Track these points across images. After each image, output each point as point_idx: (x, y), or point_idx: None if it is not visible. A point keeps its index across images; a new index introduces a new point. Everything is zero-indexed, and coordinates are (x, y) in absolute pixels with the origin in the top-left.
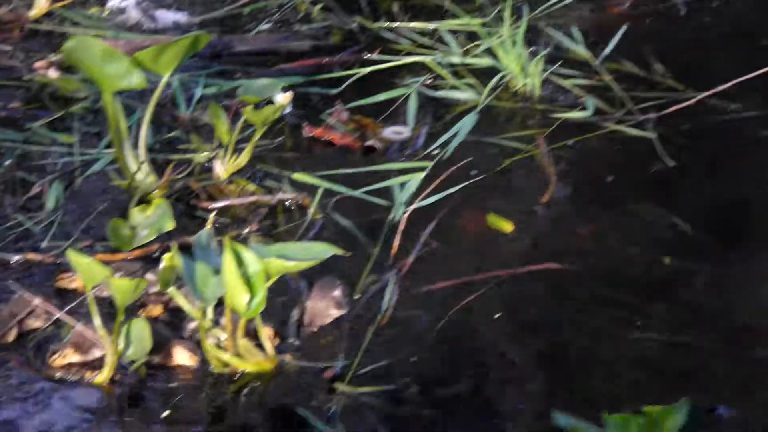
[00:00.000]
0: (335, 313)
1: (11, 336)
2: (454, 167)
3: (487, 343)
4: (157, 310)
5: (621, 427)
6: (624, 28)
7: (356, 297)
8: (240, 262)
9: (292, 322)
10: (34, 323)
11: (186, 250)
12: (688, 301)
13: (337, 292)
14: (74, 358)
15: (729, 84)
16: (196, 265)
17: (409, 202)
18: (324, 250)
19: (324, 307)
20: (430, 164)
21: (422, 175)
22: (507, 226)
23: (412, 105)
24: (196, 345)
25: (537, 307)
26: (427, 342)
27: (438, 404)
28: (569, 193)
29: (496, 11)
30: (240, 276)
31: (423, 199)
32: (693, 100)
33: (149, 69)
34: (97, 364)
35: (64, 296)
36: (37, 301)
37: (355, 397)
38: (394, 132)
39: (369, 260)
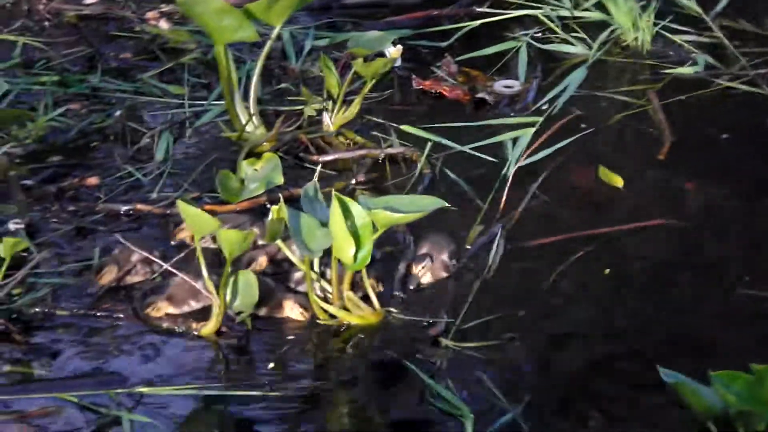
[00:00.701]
0: (443, 274)
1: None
2: (564, 121)
3: (592, 300)
4: (264, 262)
5: (727, 383)
6: None
7: (465, 251)
8: (347, 214)
9: (399, 277)
10: (137, 276)
11: (294, 202)
12: None
13: (445, 256)
14: (169, 309)
15: None
16: (303, 218)
17: (520, 158)
18: (431, 203)
19: (432, 268)
20: (540, 119)
21: (532, 130)
22: (618, 181)
23: (523, 59)
24: (303, 297)
25: (643, 263)
26: (533, 297)
27: (540, 357)
28: (683, 150)
29: None
30: (347, 228)
31: (532, 154)
32: None
33: (261, 20)
34: (197, 316)
35: (172, 248)
36: (136, 256)
37: (460, 352)
38: (504, 86)
39: (478, 215)
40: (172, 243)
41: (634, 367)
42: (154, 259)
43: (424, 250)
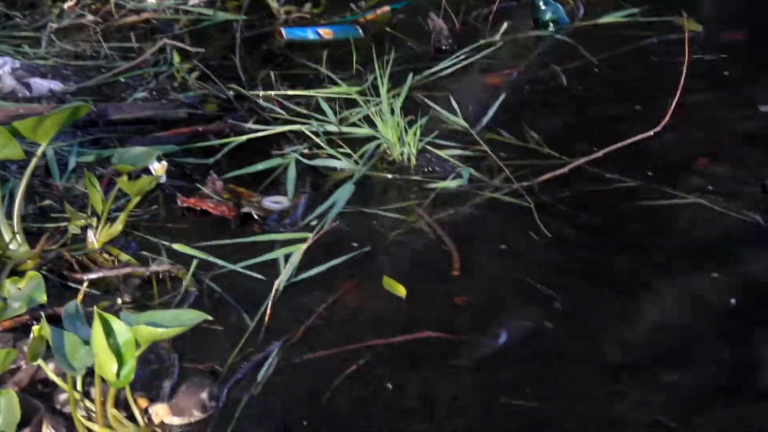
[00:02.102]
0: (199, 415)
1: None
2: (333, 239)
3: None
4: (25, 380)
5: None
6: (501, 98)
7: (236, 369)
8: (109, 331)
9: (164, 394)
10: None
11: (57, 320)
12: None
13: (204, 394)
14: None
15: (602, 152)
16: (65, 336)
17: (290, 275)
18: (193, 317)
19: (189, 406)
20: (309, 235)
21: (304, 246)
22: (401, 291)
23: (291, 175)
24: (66, 417)
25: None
26: (303, 412)
27: None
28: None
29: (372, 79)
30: (109, 345)
31: (303, 272)
32: (566, 168)
33: (27, 138)
34: None
35: None
36: None
37: None
38: (273, 202)
39: (245, 331)
40: None
41: None
42: None
43: (183, 389)
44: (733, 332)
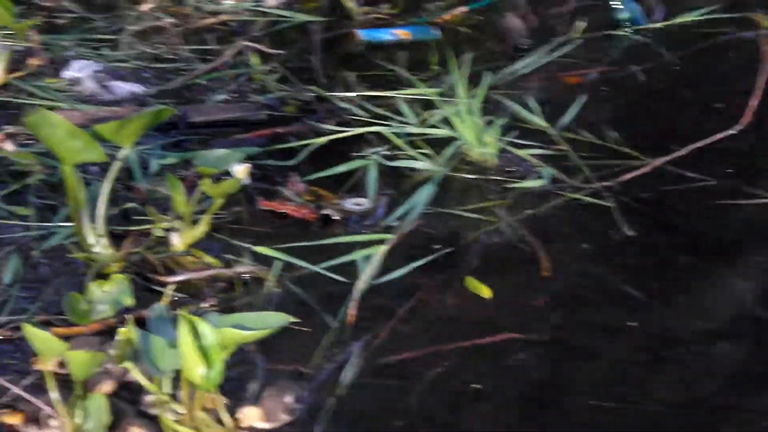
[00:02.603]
0: (285, 418)
1: None
2: (414, 240)
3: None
4: (114, 384)
5: None
6: (581, 97)
7: (319, 371)
8: (196, 334)
9: (250, 397)
10: None
11: (143, 323)
12: None
13: (289, 398)
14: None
15: (683, 151)
16: (152, 339)
17: (372, 276)
18: (279, 320)
19: (276, 410)
20: (390, 236)
21: (384, 248)
22: (486, 292)
23: (371, 176)
24: (153, 420)
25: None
26: (389, 415)
27: None
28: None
29: (450, 79)
30: (196, 348)
31: (385, 273)
32: (647, 168)
33: (109, 141)
34: None
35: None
36: None
37: None
38: (353, 203)
39: (327, 332)
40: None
41: None
42: (3, 383)
43: (268, 392)
44: None
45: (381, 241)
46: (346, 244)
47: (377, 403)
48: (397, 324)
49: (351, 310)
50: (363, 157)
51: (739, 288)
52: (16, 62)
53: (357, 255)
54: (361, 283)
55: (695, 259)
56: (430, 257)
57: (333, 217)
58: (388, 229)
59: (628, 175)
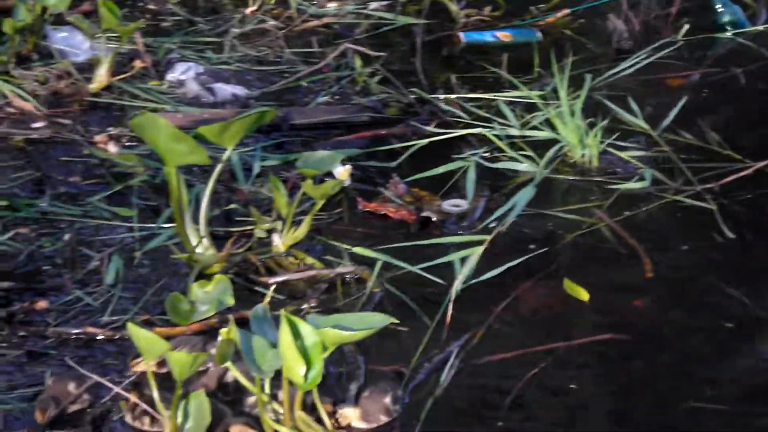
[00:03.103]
0: (384, 419)
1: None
2: (512, 240)
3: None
4: (215, 384)
5: None
6: (683, 99)
7: (418, 370)
8: (297, 334)
9: (350, 397)
10: (77, 404)
11: (244, 324)
12: None
13: (388, 399)
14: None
15: None
16: (253, 339)
17: (468, 276)
18: (379, 320)
19: (375, 411)
20: (488, 237)
21: (481, 249)
22: (584, 294)
23: (471, 177)
24: (254, 420)
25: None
26: (492, 414)
27: None
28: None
29: (553, 81)
30: (296, 348)
31: (481, 274)
32: (751, 170)
33: (212, 143)
34: None
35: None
36: (72, 385)
37: None
38: (452, 205)
39: (426, 333)
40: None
41: None
42: (105, 382)
43: (368, 392)
44: None
45: (478, 243)
46: (444, 245)
47: (475, 403)
48: (494, 324)
49: (448, 311)
50: (463, 158)
51: None
52: (120, 64)
53: (454, 256)
54: (458, 284)
55: None
56: (525, 257)
57: (432, 219)
58: (485, 231)
59: (730, 178)
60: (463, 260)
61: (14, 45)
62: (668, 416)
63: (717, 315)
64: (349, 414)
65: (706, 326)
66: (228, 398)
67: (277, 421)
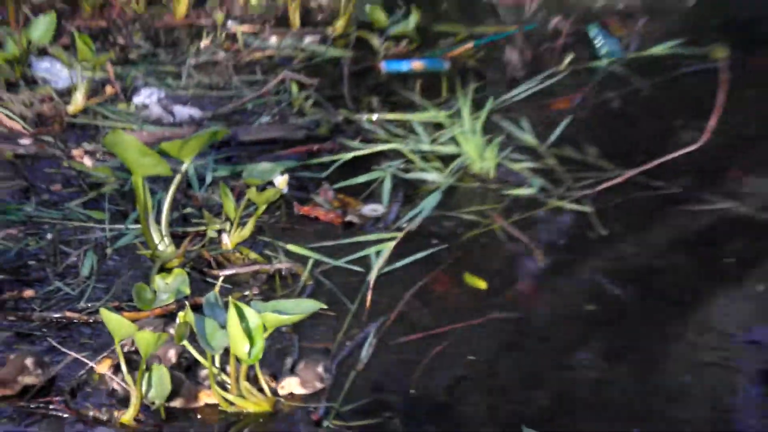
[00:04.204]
0: (319, 385)
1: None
2: (419, 238)
3: (453, 381)
4: (173, 357)
5: None
6: (566, 120)
7: (342, 348)
8: (242, 317)
9: (286, 370)
10: (29, 377)
11: (198, 309)
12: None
13: (321, 368)
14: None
15: (652, 164)
16: (206, 321)
17: (382, 267)
18: (311, 306)
19: (311, 378)
20: (399, 235)
21: (392, 244)
22: (481, 284)
23: (387, 186)
24: (207, 389)
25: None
26: (405, 384)
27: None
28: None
29: (457, 104)
30: (242, 329)
31: (392, 264)
32: (621, 178)
33: (173, 157)
34: (118, 406)
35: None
36: (29, 359)
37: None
38: (371, 209)
39: (348, 315)
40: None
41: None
42: (81, 358)
43: (302, 364)
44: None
45: (391, 239)
46: (364, 242)
47: (390, 374)
48: (405, 308)
49: (367, 297)
50: (381, 170)
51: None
52: (94, 90)
53: (371, 250)
54: (374, 273)
55: (657, 255)
56: (430, 251)
57: (354, 221)
58: (398, 230)
59: (604, 185)
60: (378, 253)
61: (3, 73)
62: (541, 377)
63: (584, 298)
64: (291, 382)
65: (574, 308)
66: (187, 370)
67: (225, 390)
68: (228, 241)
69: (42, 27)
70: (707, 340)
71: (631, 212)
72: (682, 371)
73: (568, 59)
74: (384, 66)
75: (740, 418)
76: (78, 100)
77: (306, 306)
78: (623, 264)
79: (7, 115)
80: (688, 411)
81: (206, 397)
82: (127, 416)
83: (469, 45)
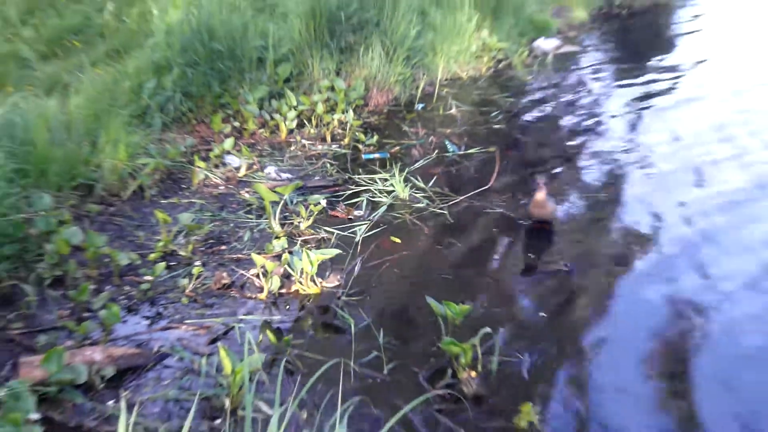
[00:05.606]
0: (338, 282)
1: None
2: (377, 223)
3: (393, 278)
4: (280, 273)
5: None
6: (435, 176)
7: (346, 268)
8: (308, 255)
9: (326, 275)
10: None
11: (291, 253)
12: None
13: (339, 275)
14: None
15: (469, 194)
16: (294, 257)
17: (362, 235)
18: (335, 251)
19: (334, 280)
20: (370, 222)
21: (366, 226)
22: (396, 240)
23: (364, 203)
24: (293, 283)
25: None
26: (379, 282)
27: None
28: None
29: (393, 171)
30: (308, 259)
31: (366, 233)
32: (458, 199)
33: (281, 192)
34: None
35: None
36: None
37: (347, 301)
38: (358, 212)
39: (349, 255)
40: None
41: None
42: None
43: (330, 275)
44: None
45: (366, 222)
46: (356, 225)
47: (366, 278)
48: (372, 251)
49: (358, 247)
50: (362, 196)
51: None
52: (248, 167)
53: (357, 227)
54: (360, 235)
55: (474, 230)
56: (381, 228)
57: (352, 217)
58: (369, 221)
59: (452, 202)
60: (360, 229)
61: (213, 162)
62: (431, 282)
63: (437, 241)
64: (328, 280)
65: (435, 246)
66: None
67: (301, 284)
68: (302, 226)
69: (228, 142)
70: None
71: (465, 213)
72: None
73: (435, 152)
74: (364, 156)
75: None
76: (242, 171)
77: (333, 251)
78: (459, 232)
79: (213, 178)
80: None
81: (294, 287)
82: (263, 295)
83: (398, 147)
